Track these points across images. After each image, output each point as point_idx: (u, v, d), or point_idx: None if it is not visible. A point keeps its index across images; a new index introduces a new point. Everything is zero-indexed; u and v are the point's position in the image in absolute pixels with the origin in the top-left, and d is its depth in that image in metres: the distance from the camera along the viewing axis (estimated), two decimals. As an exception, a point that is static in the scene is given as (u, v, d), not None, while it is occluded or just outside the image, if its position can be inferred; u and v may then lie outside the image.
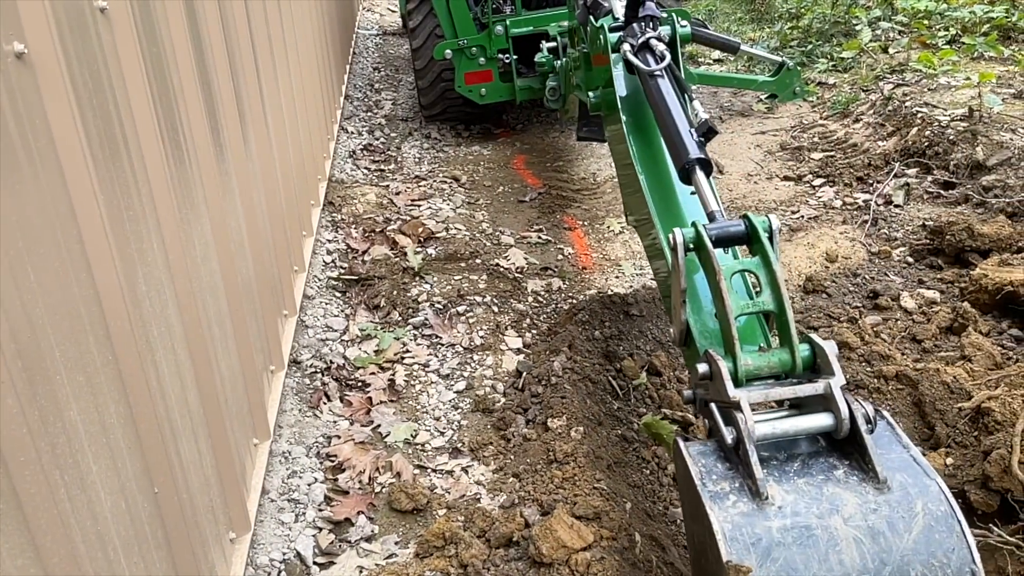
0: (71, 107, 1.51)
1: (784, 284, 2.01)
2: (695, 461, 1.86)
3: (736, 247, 2.28)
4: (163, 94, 2.08)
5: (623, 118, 3.16)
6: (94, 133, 1.62)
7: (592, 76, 3.94)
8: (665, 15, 3.23)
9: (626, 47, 3.02)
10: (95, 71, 1.68)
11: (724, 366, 1.89)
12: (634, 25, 3.12)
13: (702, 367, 1.97)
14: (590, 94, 3.74)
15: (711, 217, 2.30)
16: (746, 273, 2.20)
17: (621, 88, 3.28)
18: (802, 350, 1.96)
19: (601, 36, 3.39)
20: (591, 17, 3.81)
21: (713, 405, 1.95)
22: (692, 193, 2.58)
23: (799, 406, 1.95)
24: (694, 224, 2.14)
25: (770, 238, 2.08)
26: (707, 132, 2.59)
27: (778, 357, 1.98)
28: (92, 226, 1.54)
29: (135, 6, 1.91)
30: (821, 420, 1.83)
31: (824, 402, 1.86)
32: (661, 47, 2.94)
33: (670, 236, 2.13)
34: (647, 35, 3.00)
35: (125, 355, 1.64)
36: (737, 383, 1.89)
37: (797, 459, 1.85)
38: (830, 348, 1.91)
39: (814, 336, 1.97)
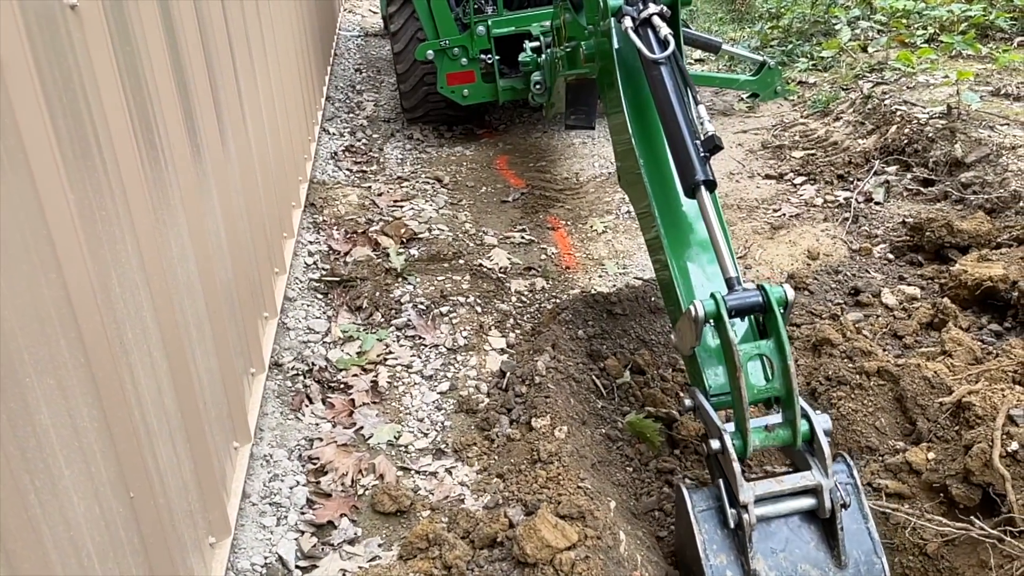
0: (40, 106, 1.48)
1: (794, 369, 2.30)
2: (700, 526, 2.29)
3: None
4: (137, 93, 2.05)
5: (622, 93, 3.09)
6: (64, 132, 1.59)
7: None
8: None
9: (627, 22, 2.92)
10: (65, 69, 1.65)
11: (735, 461, 2.23)
12: None
13: (715, 444, 2.29)
14: (582, 44, 3.62)
15: (729, 284, 2.43)
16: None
17: (616, 42, 3.18)
18: (802, 425, 2.29)
19: (601, 1, 3.21)
20: None
21: (722, 483, 2.29)
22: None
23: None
24: (713, 296, 2.31)
25: (785, 309, 2.31)
26: (712, 148, 2.63)
27: (781, 436, 2.33)
28: (62, 226, 1.51)
29: (106, 4, 1.88)
30: (808, 502, 2.28)
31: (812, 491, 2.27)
32: (665, 30, 2.85)
33: (691, 308, 2.31)
34: (649, 9, 2.90)
35: (98, 357, 1.61)
36: (742, 456, 2.28)
37: (784, 526, 2.31)
38: (823, 428, 2.29)
39: (811, 414, 2.31)
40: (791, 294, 2.32)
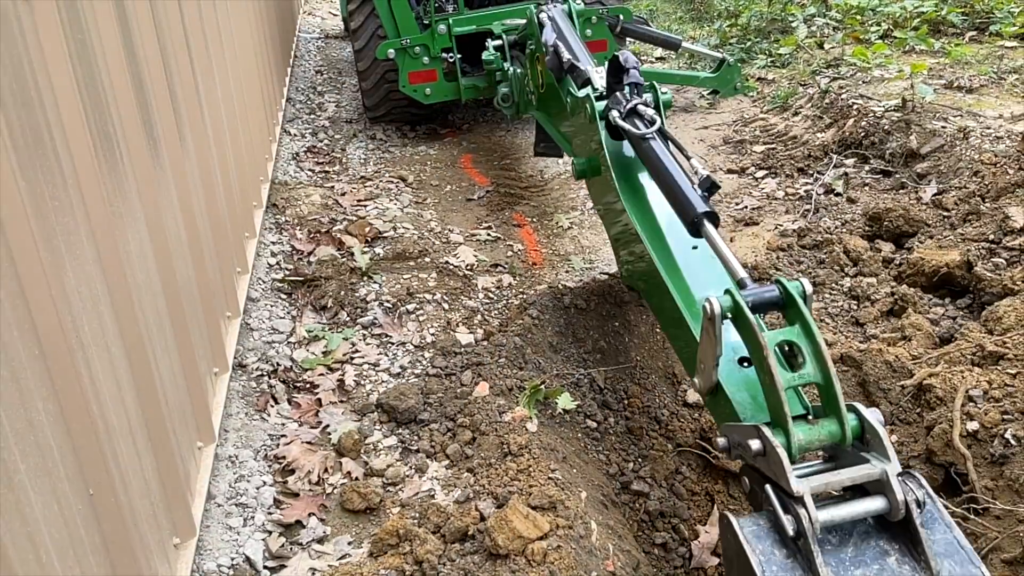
0: (-12, 90, 1.44)
1: (828, 354, 1.96)
2: (753, 548, 1.85)
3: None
4: (90, 83, 2.00)
5: (616, 184, 3.07)
6: (15, 120, 1.55)
7: (574, 130, 3.83)
8: (648, 84, 3.14)
9: (614, 114, 2.94)
10: (16, 57, 1.61)
11: (780, 448, 1.86)
12: (617, 93, 3.05)
13: (755, 444, 1.93)
14: (573, 162, 3.64)
15: (741, 284, 2.21)
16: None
17: (607, 145, 3.18)
18: (849, 419, 1.92)
19: (588, 106, 3.26)
20: (569, 78, 3.77)
21: (770, 488, 1.89)
22: (694, 248, 2.68)
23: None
24: (728, 292, 2.09)
25: (804, 302, 2.05)
26: (710, 187, 2.57)
27: (827, 430, 1.95)
28: (14, 214, 1.47)
29: (57, -9, 1.83)
30: (876, 504, 1.83)
31: (878, 485, 1.85)
32: (650, 112, 2.88)
33: (705, 305, 2.07)
34: (634, 101, 2.92)
35: (53, 350, 1.57)
36: (791, 458, 1.88)
37: (850, 543, 1.85)
38: (876, 418, 1.91)
39: (859, 406, 1.95)
40: (809, 287, 2.08)
